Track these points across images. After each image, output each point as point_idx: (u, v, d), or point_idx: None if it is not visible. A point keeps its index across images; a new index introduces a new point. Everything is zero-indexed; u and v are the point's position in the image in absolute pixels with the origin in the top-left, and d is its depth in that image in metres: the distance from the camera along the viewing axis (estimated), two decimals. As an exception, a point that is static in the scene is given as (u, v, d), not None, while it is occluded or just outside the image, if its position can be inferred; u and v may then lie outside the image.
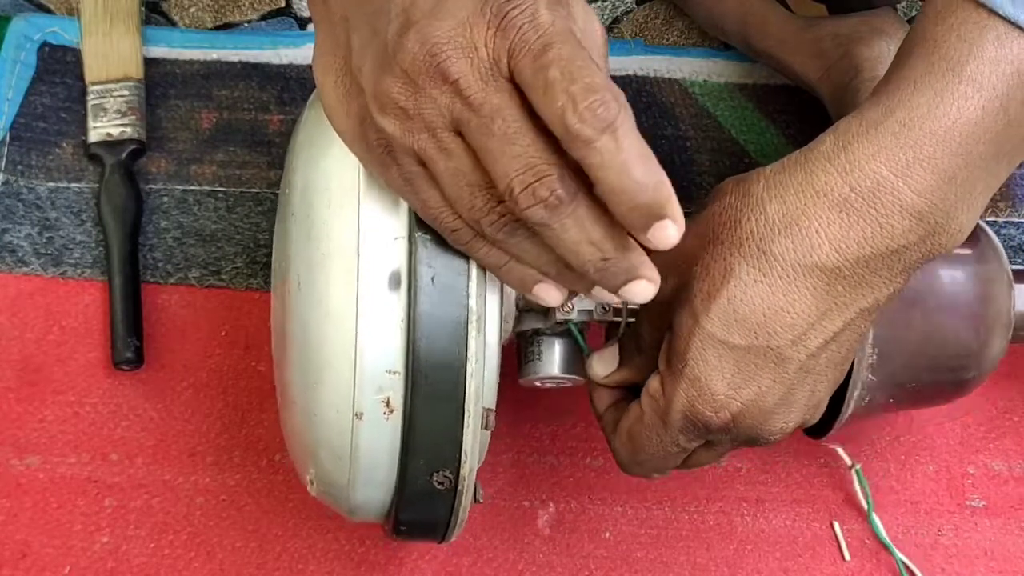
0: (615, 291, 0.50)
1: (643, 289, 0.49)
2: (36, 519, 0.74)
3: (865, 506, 0.75)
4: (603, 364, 0.61)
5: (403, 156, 0.49)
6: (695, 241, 0.54)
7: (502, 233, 0.50)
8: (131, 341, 0.77)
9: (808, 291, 0.52)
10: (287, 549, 0.74)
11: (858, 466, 0.75)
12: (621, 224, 0.48)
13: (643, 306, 0.58)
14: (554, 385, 0.64)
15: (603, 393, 0.61)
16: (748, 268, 0.53)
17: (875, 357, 0.63)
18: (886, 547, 0.75)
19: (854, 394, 0.64)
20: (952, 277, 0.66)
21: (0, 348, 0.78)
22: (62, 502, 0.74)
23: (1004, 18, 0.50)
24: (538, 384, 0.64)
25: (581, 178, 0.48)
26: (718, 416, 0.54)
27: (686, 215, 0.48)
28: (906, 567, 0.74)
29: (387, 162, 0.50)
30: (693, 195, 0.85)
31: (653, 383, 0.56)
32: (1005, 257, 0.67)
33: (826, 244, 0.52)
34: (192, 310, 0.80)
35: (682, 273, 0.55)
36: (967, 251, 0.66)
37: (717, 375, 0.54)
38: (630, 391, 0.61)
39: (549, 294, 0.53)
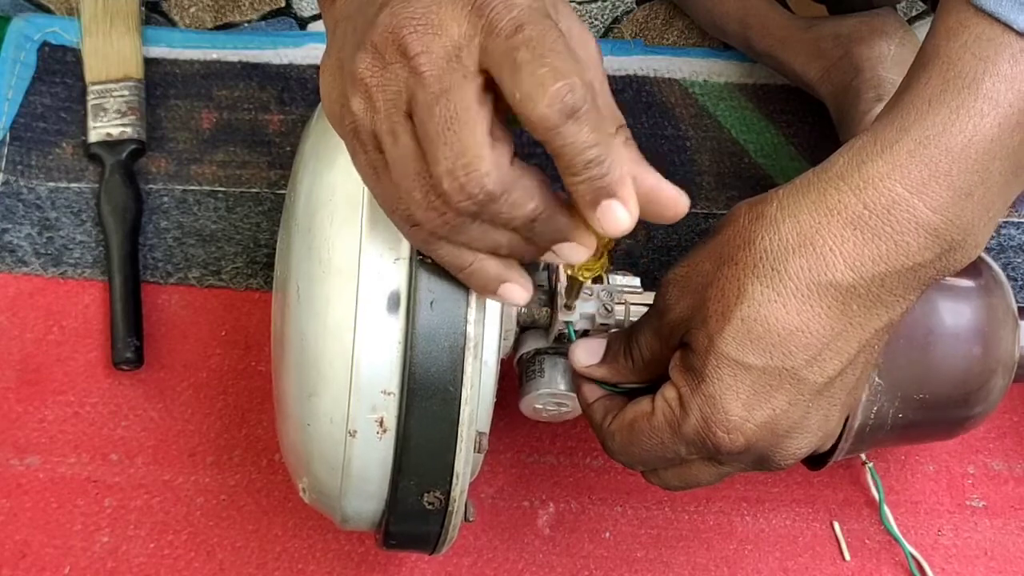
0: (547, 250, 0.51)
1: (575, 251, 0.51)
2: (36, 519, 0.74)
3: (877, 497, 0.75)
4: (587, 353, 0.60)
5: (368, 141, 0.49)
6: (709, 265, 0.54)
7: (444, 229, 0.49)
8: (131, 341, 0.77)
9: (823, 310, 0.52)
10: (287, 549, 0.74)
11: (871, 463, 0.75)
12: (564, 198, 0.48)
13: (649, 319, 0.58)
14: (555, 409, 0.64)
15: (590, 385, 0.61)
16: (762, 288, 0.52)
17: (877, 397, 0.63)
18: (896, 541, 0.75)
19: (853, 428, 0.64)
20: (955, 312, 0.64)
21: (0, 348, 0.78)
22: (62, 502, 0.74)
23: (1020, 34, 0.49)
24: (539, 406, 0.63)
25: (514, 155, 0.48)
26: (730, 438, 0.54)
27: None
28: (915, 561, 0.74)
29: (357, 148, 0.50)
30: (693, 195, 0.85)
31: (669, 391, 0.56)
32: (1010, 292, 0.66)
33: (840, 262, 0.51)
34: (192, 310, 0.80)
35: (697, 295, 0.54)
36: (971, 284, 0.65)
37: (732, 395, 0.53)
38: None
39: (514, 293, 0.52)
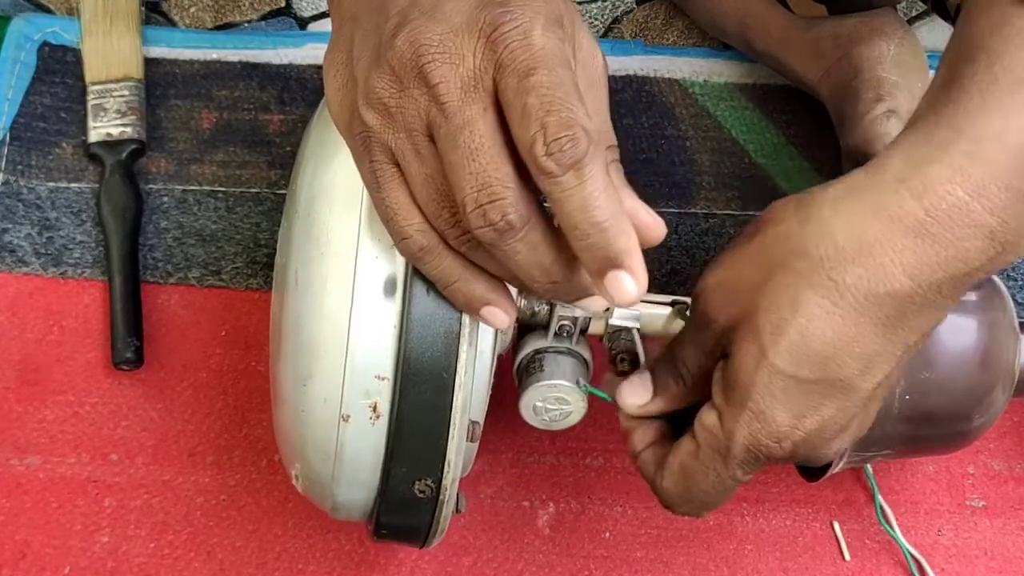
0: (571, 304, 0.51)
1: (598, 304, 0.50)
2: (36, 519, 0.74)
3: (872, 488, 0.75)
4: (636, 394, 0.58)
5: (378, 151, 0.49)
6: (754, 269, 0.52)
7: (466, 247, 0.49)
8: (131, 341, 0.77)
9: (879, 319, 0.51)
10: (287, 549, 0.74)
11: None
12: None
13: (691, 334, 0.56)
14: (556, 408, 0.63)
15: (640, 432, 0.59)
16: (819, 300, 0.50)
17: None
18: (895, 540, 0.75)
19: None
20: (956, 327, 0.63)
21: (0, 348, 0.78)
22: (62, 502, 0.74)
23: None
24: (539, 403, 0.63)
25: (539, 204, 0.47)
26: (780, 446, 0.53)
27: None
28: (915, 560, 0.74)
29: (363, 155, 0.50)
30: (693, 195, 0.86)
31: (709, 417, 0.54)
32: (1012, 306, 0.66)
33: (899, 271, 0.50)
34: (192, 310, 0.80)
35: (743, 302, 0.53)
36: (972, 298, 0.64)
37: (782, 408, 0.52)
38: (668, 424, 0.59)
39: (496, 317, 0.52)
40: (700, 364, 0.56)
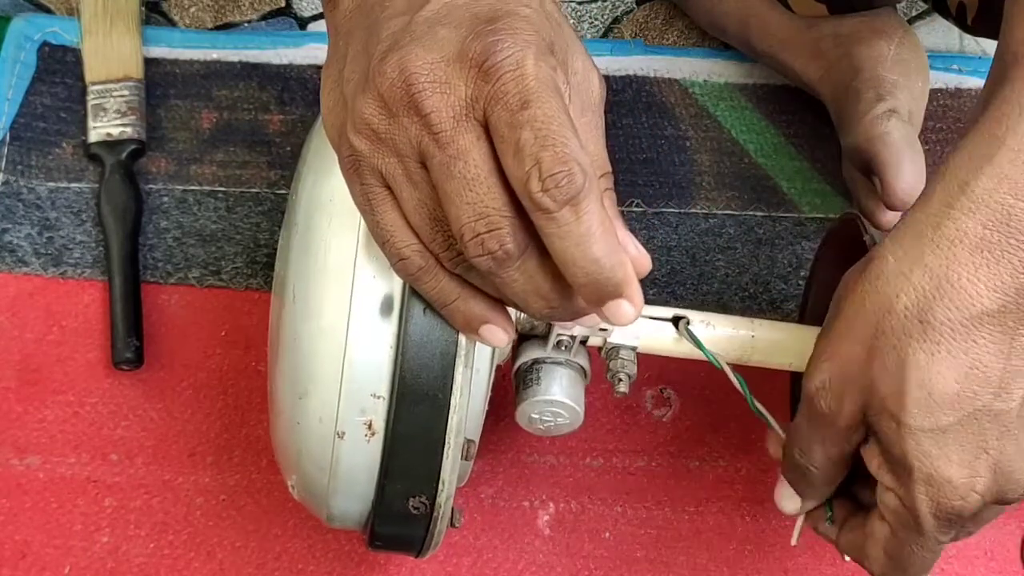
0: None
1: (595, 319, 0.50)
2: (36, 519, 0.74)
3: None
4: (790, 501, 0.60)
5: (368, 175, 0.49)
6: (854, 348, 0.53)
7: (460, 269, 0.50)
8: (131, 341, 0.77)
9: (986, 340, 0.50)
10: (287, 549, 0.74)
11: None
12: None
13: (814, 434, 0.56)
14: (551, 420, 0.63)
15: (827, 526, 0.60)
16: (919, 346, 0.51)
17: None
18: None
19: None
20: None
21: (0, 348, 0.78)
22: (62, 502, 0.74)
23: None
24: (535, 416, 0.63)
25: (534, 231, 0.47)
26: (967, 502, 0.53)
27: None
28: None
29: (353, 178, 0.50)
30: (693, 195, 0.86)
31: (889, 498, 0.54)
32: None
33: (983, 289, 0.50)
34: (192, 310, 0.80)
35: (859, 385, 0.53)
36: None
37: (945, 462, 0.52)
38: (843, 503, 0.60)
39: (495, 336, 0.52)
40: (829, 456, 0.56)
